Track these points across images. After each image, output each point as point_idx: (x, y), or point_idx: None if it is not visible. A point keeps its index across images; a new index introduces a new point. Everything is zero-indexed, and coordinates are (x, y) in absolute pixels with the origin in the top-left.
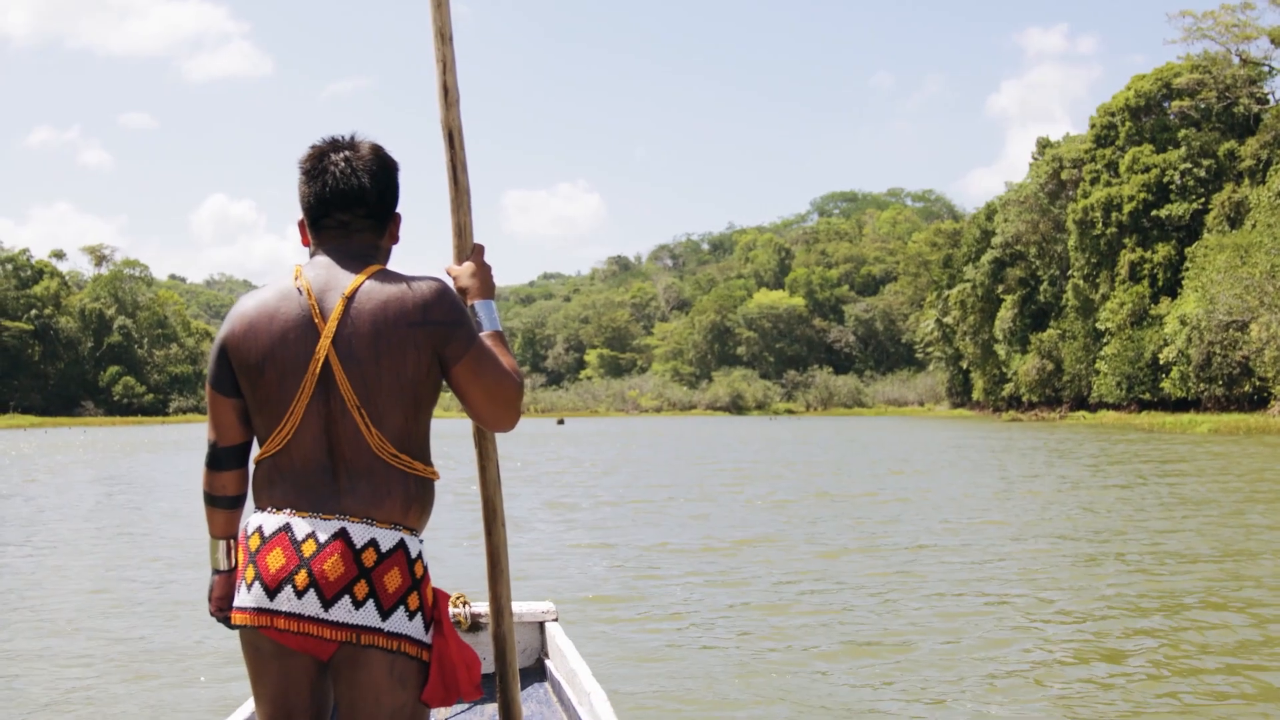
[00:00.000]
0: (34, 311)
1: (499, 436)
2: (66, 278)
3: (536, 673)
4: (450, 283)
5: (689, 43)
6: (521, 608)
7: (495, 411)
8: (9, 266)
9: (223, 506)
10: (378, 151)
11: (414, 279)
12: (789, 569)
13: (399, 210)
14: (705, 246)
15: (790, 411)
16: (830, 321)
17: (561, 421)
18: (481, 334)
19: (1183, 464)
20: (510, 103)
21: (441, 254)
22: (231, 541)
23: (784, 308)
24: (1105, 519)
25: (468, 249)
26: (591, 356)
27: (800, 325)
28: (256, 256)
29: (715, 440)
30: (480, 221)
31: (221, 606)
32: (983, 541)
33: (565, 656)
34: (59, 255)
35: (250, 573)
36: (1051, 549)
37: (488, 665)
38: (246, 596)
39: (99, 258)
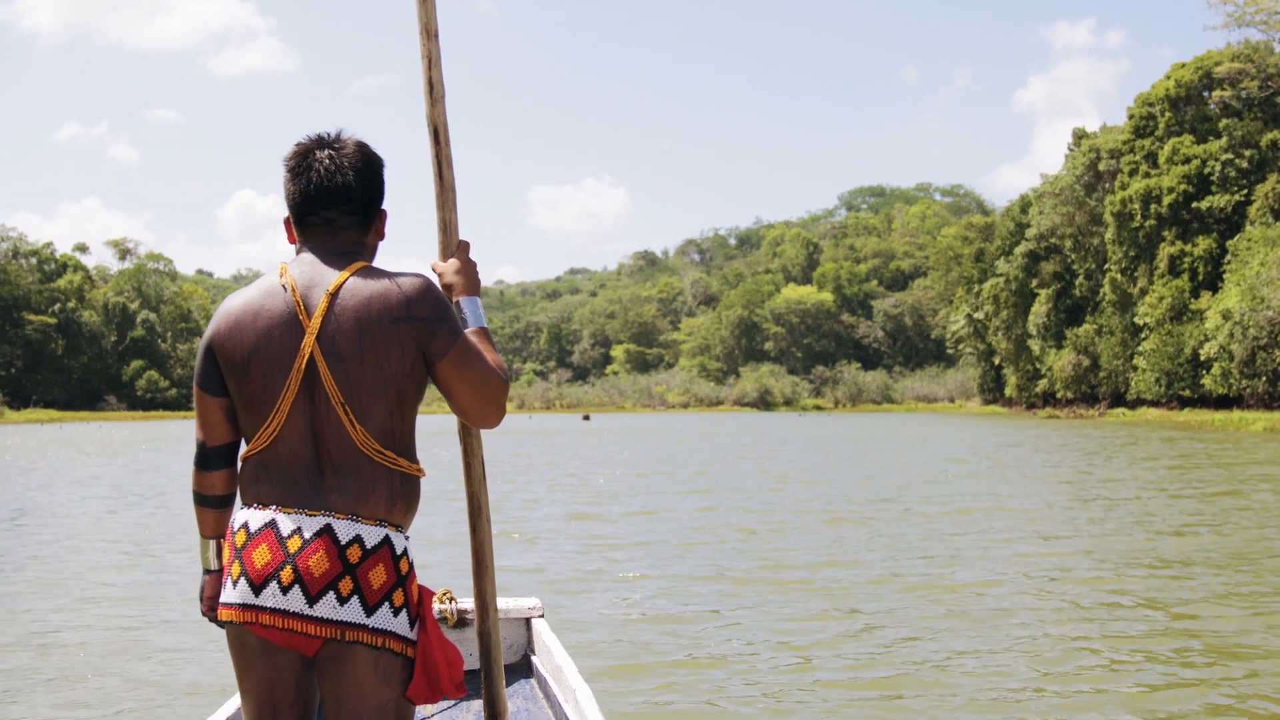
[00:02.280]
0: (57, 305)
1: (520, 435)
2: (92, 271)
3: (523, 669)
4: (435, 279)
5: (715, 37)
6: (508, 604)
7: (480, 408)
8: (33, 260)
9: (212, 506)
10: (362, 148)
11: (398, 275)
12: (868, 602)
13: (384, 208)
14: (732, 241)
15: (819, 408)
16: (858, 317)
17: (587, 417)
18: (466, 330)
19: (1273, 466)
20: (535, 98)
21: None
22: (221, 541)
23: (812, 303)
24: (1241, 539)
25: (453, 245)
26: (618, 352)
27: (828, 321)
28: (283, 252)
29: (749, 438)
30: (506, 217)
31: (213, 606)
32: (1083, 567)
33: (551, 653)
34: (82, 249)
35: (236, 569)
36: (1180, 578)
37: (474, 661)
38: (232, 592)
39: (123, 251)
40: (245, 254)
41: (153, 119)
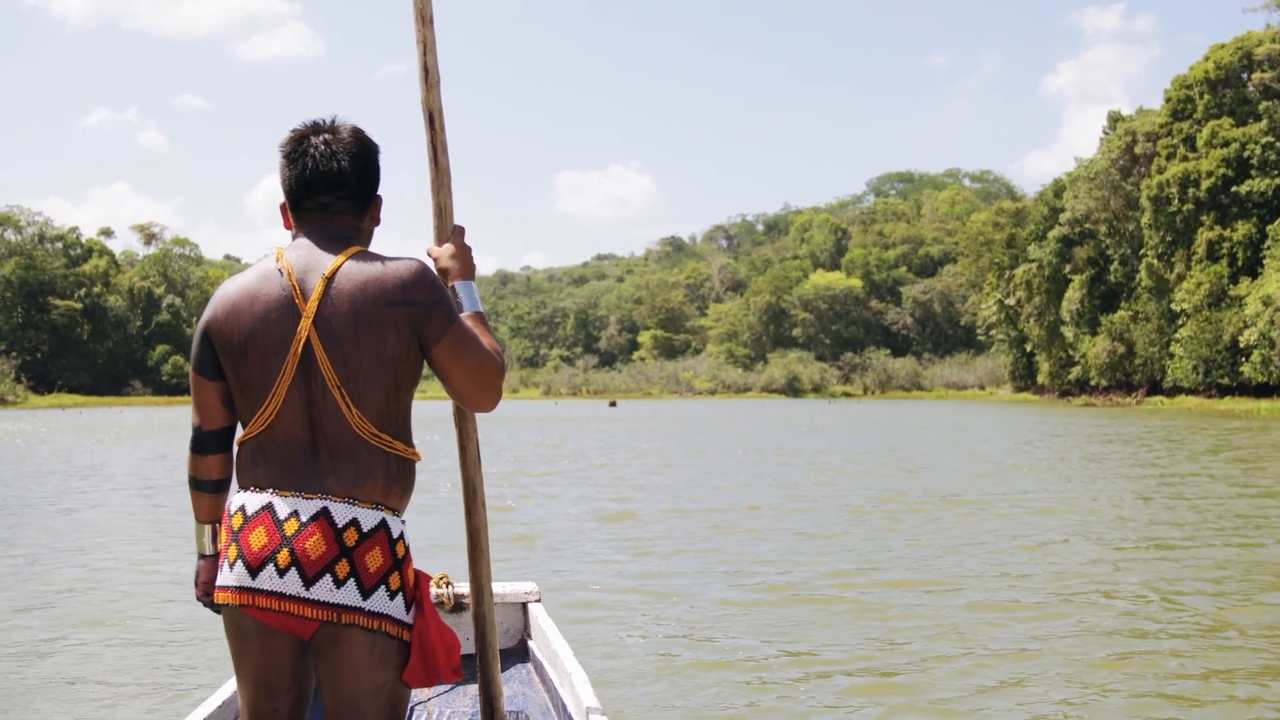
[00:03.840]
0: (83, 290)
1: (545, 422)
2: (119, 256)
3: (519, 653)
4: (431, 264)
5: (742, 23)
6: (504, 588)
7: (476, 392)
8: (58, 245)
9: (208, 491)
10: (358, 134)
11: (394, 260)
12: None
13: (380, 194)
14: (760, 227)
15: (847, 394)
16: (887, 303)
17: (614, 404)
18: (462, 314)
19: None
20: (562, 83)
21: (492, 228)
22: (217, 526)
23: (840, 289)
24: None
25: (448, 230)
26: (645, 338)
27: (857, 307)
28: None
29: (780, 426)
30: (532, 202)
31: (208, 590)
32: (1193, 582)
33: (547, 637)
34: (108, 233)
35: (233, 551)
36: None
37: (471, 646)
38: (229, 575)
39: (148, 236)
40: (273, 239)
41: (181, 105)
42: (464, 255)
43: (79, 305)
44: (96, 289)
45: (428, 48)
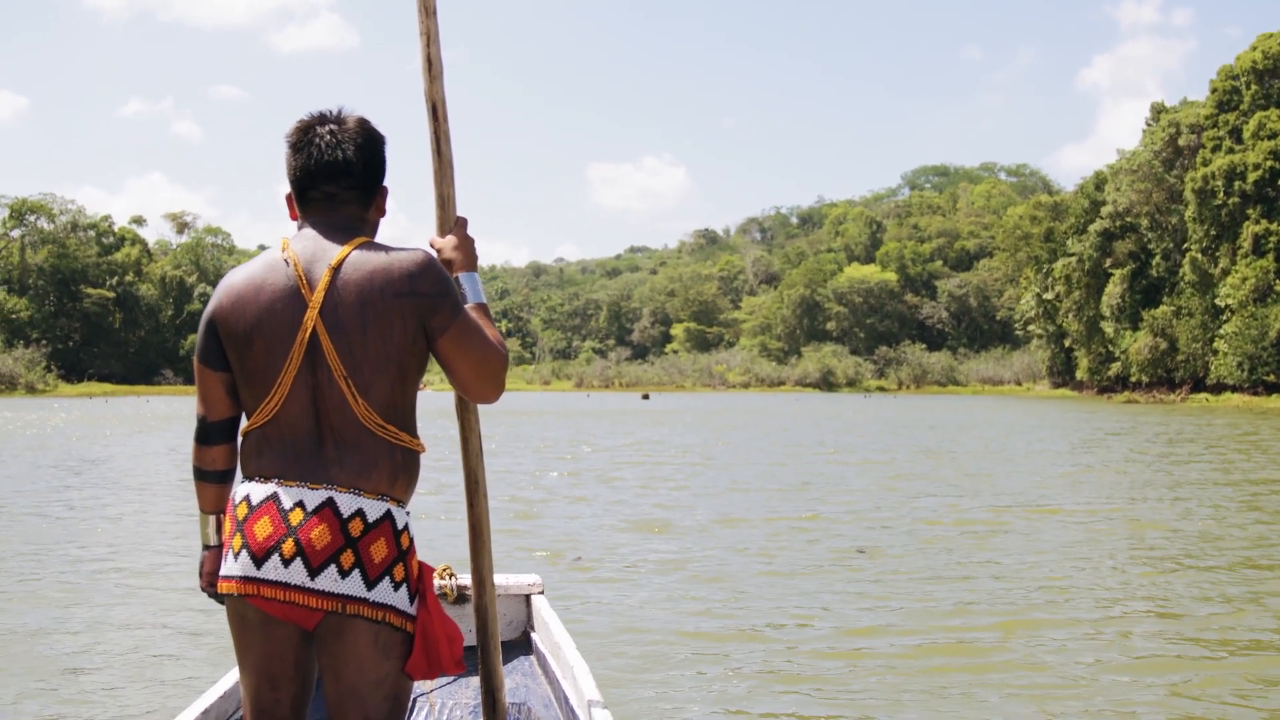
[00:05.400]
0: (115, 279)
1: (576, 416)
2: (152, 246)
3: (522, 645)
4: (435, 255)
5: (775, 15)
6: (508, 580)
7: (480, 384)
8: (90, 233)
9: (212, 481)
10: (363, 124)
11: (400, 250)
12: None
13: (386, 184)
14: (794, 220)
15: (882, 389)
16: (922, 297)
17: (646, 396)
18: (466, 306)
19: None
20: (594, 75)
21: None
22: (221, 516)
23: (875, 282)
24: None
25: (451, 221)
26: (678, 330)
27: (891, 301)
28: None
29: (821, 421)
30: (564, 194)
31: (212, 581)
32: None
33: (550, 630)
34: (140, 221)
35: (237, 541)
36: None
37: (474, 638)
38: (233, 565)
39: (180, 225)
40: None
41: (216, 95)
42: (467, 246)
43: (111, 294)
44: (129, 277)
45: (431, 39)
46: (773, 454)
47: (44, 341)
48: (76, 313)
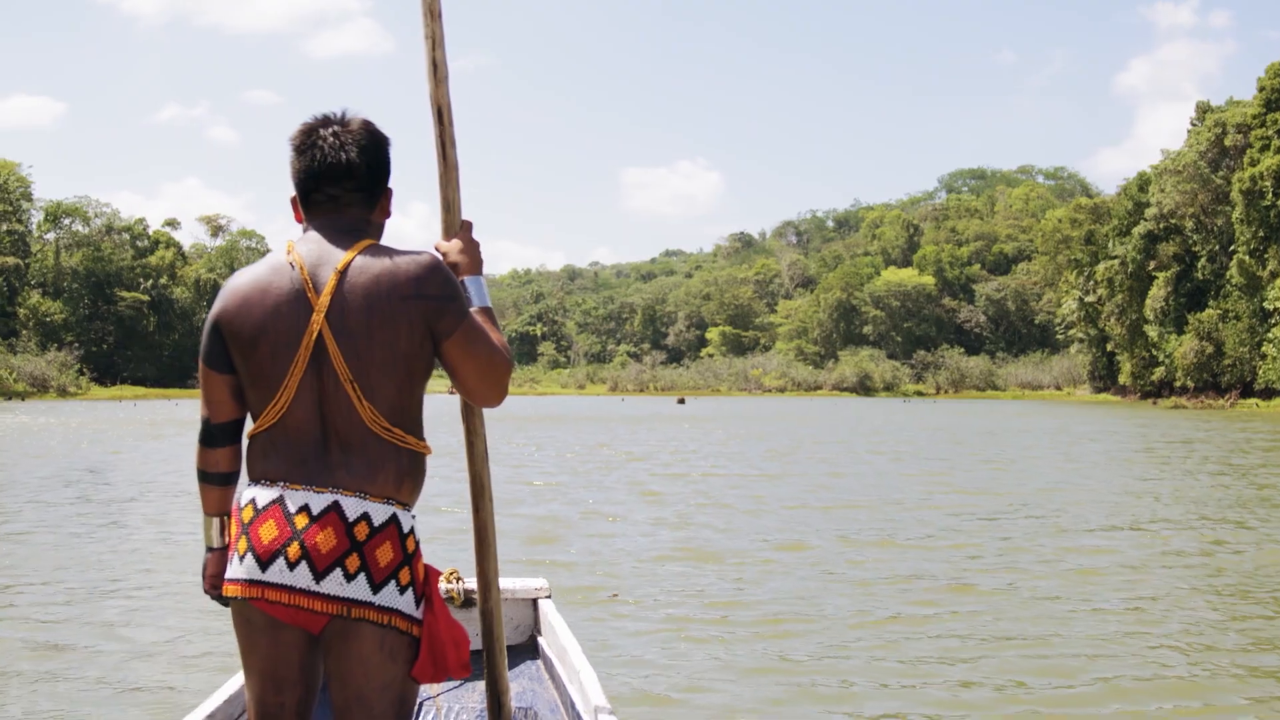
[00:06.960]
0: (149, 282)
1: (609, 423)
2: (187, 249)
3: (529, 649)
4: (441, 258)
5: (809, 19)
6: (514, 584)
7: (485, 388)
8: (125, 236)
9: (216, 483)
10: (368, 126)
11: (406, 253)
12: None
13: (390, 186)
14: (830, 224)
15: (920, 393)
16: (960, 301)
17: (682, 401)
18: (471, 310)
19: None
20: (628, 80)
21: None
22: (225, 518)
23: (912, 286)
24: None
25: (456, 224)
26: (713, 334)
27: (929, 304)
28: (390, 229)
29: (862, 428)
30: (598, 199)
31: (215, 584)
32: None
33: (557, 634)
34: (173, 224)
35: (243, 544)
36: None
37: (480, 641)
38: (239, 568)
39: (215, 228)
40: None
41: (251, 100)
42: (472, 250)
43: (145, 297)
44: (163, 280)
45: (436, 43)
46: (827, 461)
47: (78, 344)
48: (111, 316)
